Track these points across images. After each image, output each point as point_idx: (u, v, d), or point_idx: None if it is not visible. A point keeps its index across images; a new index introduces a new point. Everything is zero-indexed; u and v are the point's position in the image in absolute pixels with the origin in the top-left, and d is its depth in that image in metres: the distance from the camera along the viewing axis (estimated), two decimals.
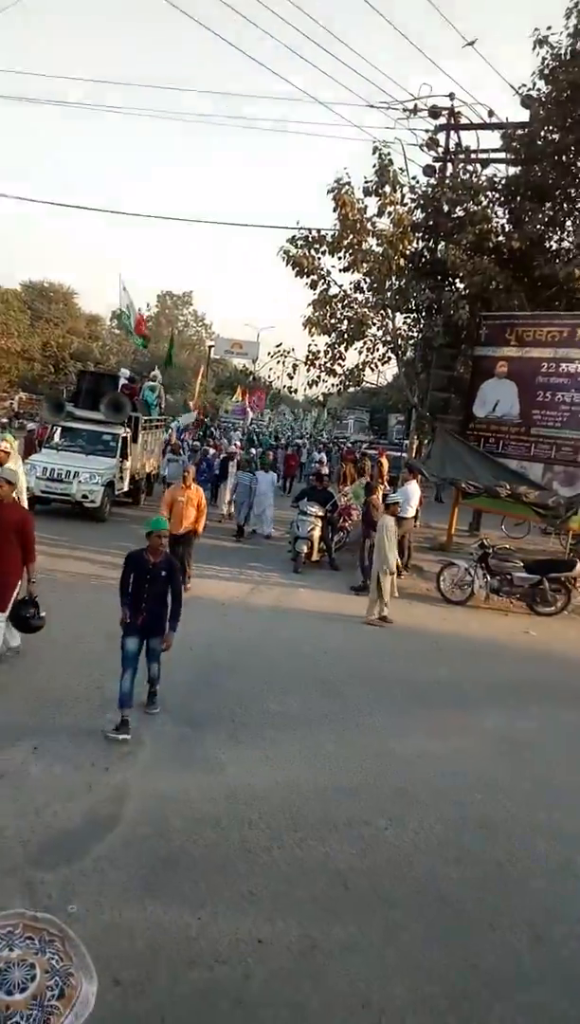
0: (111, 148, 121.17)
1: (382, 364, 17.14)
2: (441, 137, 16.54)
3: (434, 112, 16.47)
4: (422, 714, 6.93)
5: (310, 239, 15.16)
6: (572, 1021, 3.38)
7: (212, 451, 20.04)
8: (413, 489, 13.27)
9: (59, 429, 15.78)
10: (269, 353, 16.97)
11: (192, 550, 10.51)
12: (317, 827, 4.71)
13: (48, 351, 42.09)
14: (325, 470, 17.34)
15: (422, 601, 11.51)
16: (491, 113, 16.26)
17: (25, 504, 9.10)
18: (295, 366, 16.31)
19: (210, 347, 55.10)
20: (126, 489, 16.21)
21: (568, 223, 15.91)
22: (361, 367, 16.54)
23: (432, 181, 16.20)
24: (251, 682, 7.22)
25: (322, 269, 15.34)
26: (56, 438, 15.62)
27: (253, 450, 21.80)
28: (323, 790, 5.22)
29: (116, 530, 13.92)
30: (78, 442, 15.32)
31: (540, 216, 15.45)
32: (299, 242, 15.17)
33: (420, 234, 16.03)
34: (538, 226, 15.28)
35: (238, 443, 24.21)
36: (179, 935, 3.59)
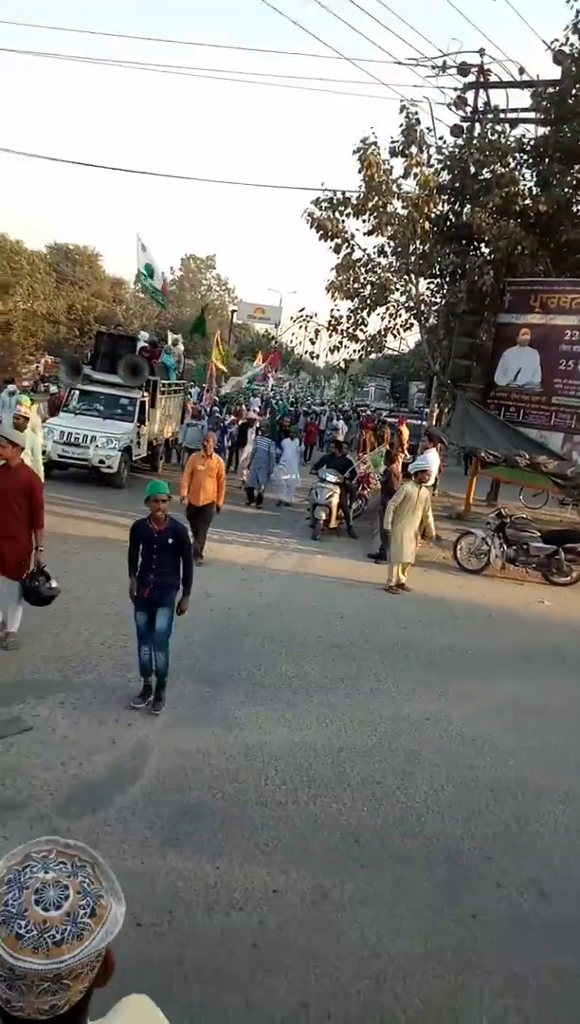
0: (131, 105, 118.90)
1: (404, 330, 17.02)
2: (470, 96, 16.11)
3: (463, 69, 16.00)
4: (436, 679, 7.06)
5: (335, 201, 14.94)
6: (573, 974, 3.51)
7: (230, 418, 19.84)
8: (433, 457, 13.24)
9: (76, 392, 15.49)
10: (291, 318, 16.74)
11: (208, 525, 10.11)
12: (331, 785, 4.87)
13: (73, 314, 41.99)
14: (340, 437, 17.28)
15: (439, 569, 11.59)
16: (522, 70, 15.78)
17: (41, 468, 9.12)
18: (317, 331, 16.20)
19: (233, 312, 54.71)
20: (144, 454, 15.96)
21: None
22: (383, 333, 16.42)
23: (459, 141, 15.83)
24: (269, 645, 7.37)
25: (346, 232, 15.15)
26: (73, 401, 15.34)
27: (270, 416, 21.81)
28: (337, 750, 5.38)
29: (135, 495, 13.94)
30: (95, 406, 15.02)
31: (568, 179, 15.07)
32: (323, 204, 14.96)
33: (446, 196, 15.72)
34: (566, 189, 14.92)
35: (257, 409, 24.12)
36: (197, 883, 3.77)
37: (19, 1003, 0.99)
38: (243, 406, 23.12)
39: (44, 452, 13.17)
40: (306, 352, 17.25)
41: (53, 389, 19.58)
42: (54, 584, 6.20)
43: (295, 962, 3.31)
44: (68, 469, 14.08)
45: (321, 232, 14.93)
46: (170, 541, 5.51)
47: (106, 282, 51.26)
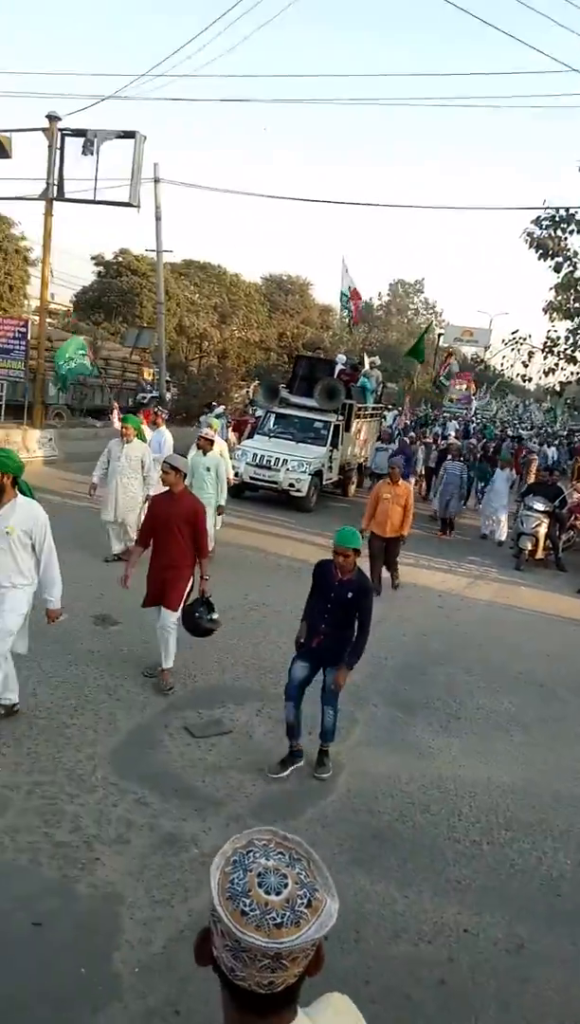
0: (340, 137, 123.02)
1: None
2: None
3: None
4: None
5: (557, 219, 14.35)
6: None
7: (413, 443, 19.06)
8: None
9: (272, 415, 15.55)
10: (503, 340, 16.27)
11: (396, 556, 9.61)
12: (530, 830, 4.58)
13: (283, 341, 44.13)
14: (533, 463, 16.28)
15: None
16: None
17: (224, 493, 9.28)
18: (531, 354, 15.60)
19: (439, 335, 54.27)
20: (335, 479, 15.78)
21: None
22: None
23: None
24: (464, 676, 7.13)
25: (568, 250, 14.48)
26: (269, 424, 15.39)
27: (471, 440, 20.96)
28: (538, 794, 5.05)
29: (324, 519, 13.59)
30: (290, 429, 14.94)
31: None
32: (545, 222, 14.44)
33: None
34: None
35: (454, 432, 23.28)
36: (385, 907, 3.70)
37: (242, 973, 1.06)
38: (439, 430, 22.69)
39: (236, 474, 13.34)
40: (518, 375, 16.63)
41: (258, 413, 20.30)
42: (216, 615, 5.82)
43: (486, 1007, 3.14)
44: (258, 491, 14.23)
45: (540, 251, 14.41)
46: (350, 596, 4.75)
47: (315, 309, 53.23)
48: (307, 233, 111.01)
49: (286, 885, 1.07)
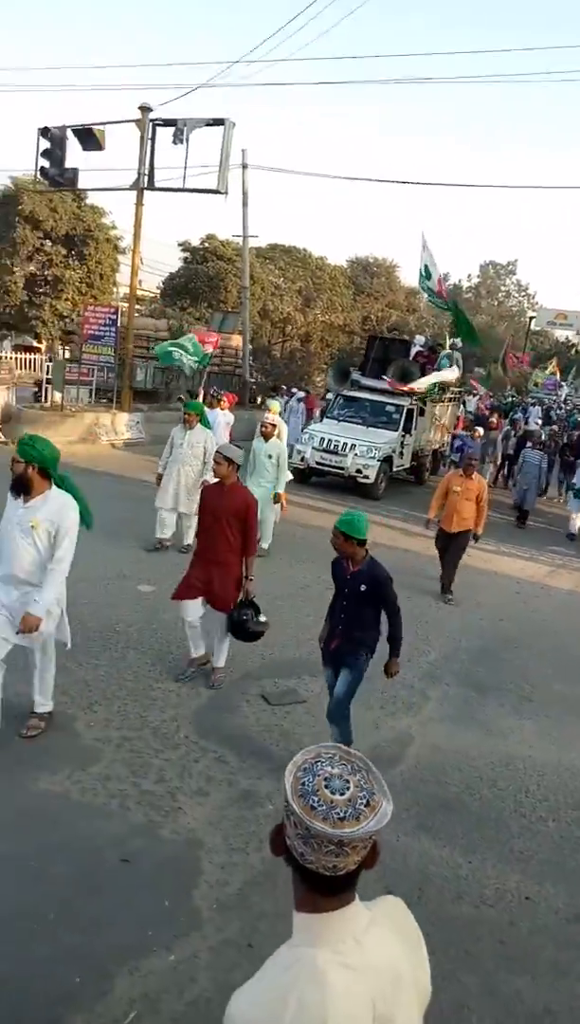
0: (439, 119, 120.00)
1: None
2: None
3: None
4: None
5: None
6: None
7: (479, 430, 17.57)
8: None
9: (341, 398, 15.10)
10: None
11: (460, 556, 8.71)
12: None
13: (367, 325, 43.88)
14: None
15: None
16: None
17: (284, 480, 9.01)
18: None
19: (531, 318, 52.62)
20: (407, 465, 15.22)
21: None
22: None
23: None
24: (540, 661, 7.13)
25: None
26: (337, 407, 14.96)
27: (553, 427, 19.72)
28: None
29: (395, 503, 13.50)
30: (360, 413, 14.46)
31: None
32: None
33: None
34: None
35: (539, 421, 22.15)
36: (449, 871, 3.87)
37: (311, 857, 1.29)
38: (520, 416, 21.83)
39: (302, 459, 13.47)
40: None
41: (329, 396, 19.86)
42: (263, 618, 5.40)
43: (543, 970, 3.27)
44: (326, 477, 13.92)
45: None
46: (362, 588, 4.37)
47: (401, 292, 52.54)
48: (394, 214, 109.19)
49: (349, 787, 1.30)
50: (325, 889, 1.32)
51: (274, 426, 8.96)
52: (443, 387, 16.28)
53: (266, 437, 8.89)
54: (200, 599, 5.42)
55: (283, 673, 5.97)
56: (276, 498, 8.99)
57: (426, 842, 4.07)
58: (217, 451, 5.58)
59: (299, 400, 18.31)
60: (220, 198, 16.67)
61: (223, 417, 10.94)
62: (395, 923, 1.46)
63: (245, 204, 22.05)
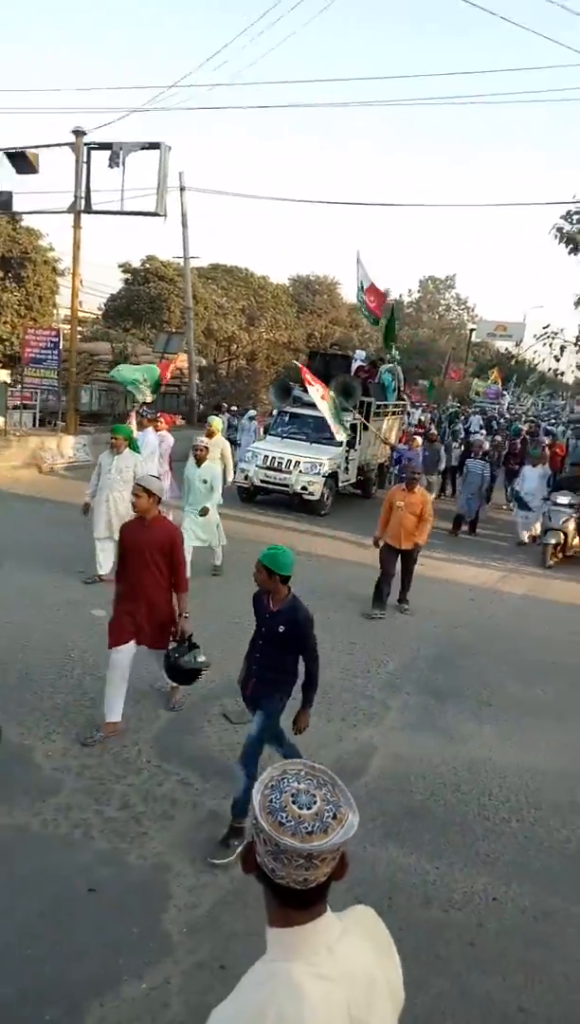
0: (364, 140, 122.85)
1: None
2: None
3: None
4: None
5: None
6: None
7: (417, 440, 16.78)
8: None
9: (285, 415, 14.85)
10: (535, 335, 16.21)
11: (411, 571, 8.75)
12: (558, 810, 4.73)
13: (312, 342, 44.35)
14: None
15: None
16: None
17: (216, 501, 8.59)
18: (563, 348, 15.57)
19: (471, 330, 53.97)
20: (353, 480, 15.17)
21: None
22: None
23: None
24: (497, 665, 7.26)
25: None
26: (281, 425, 14.72)
27: (496, 437, 19.37)
28: (568, 777, 5.18)
29: (341, 521, 13.26)
30: (303, 429, 14.26)
31: None
32: (575, 217, 14.43)
33: None
34: None
35: (482, 430, 21.98)
36: (416, 877, 3.90)
37: (281, 872, 1.32)
38: (461, 426, 21.81)
39: (246, 477, 13.29)
40: (549, 369, 16.60)
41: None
42: (201, 657, 5.03)
43: (514, 969, 3.31)
44: (271, 495, 13.78)
45: (571, 246, 14.40)
46: (281, 629, 4.00)
47: (344, 308, 53.34)
48: (334, 233, 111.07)
49: (315, 802, 1.33)
50: (297, 903, 1.34)
51: (206, 449, 8.60)
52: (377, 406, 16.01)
53: (199, 461, 8.49)
54: (132, 642, 5.00)
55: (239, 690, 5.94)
56: (203, 510, 8.52)
57: (393, 850, 4.10)
58: (136, 483, 5.18)
59: (251, 418, 18.30)
60: (159, 220, 16.74)
61: (160, 439, 10.39)
62: (367, 931, 1.49)
63: (185, 226, 22.13)
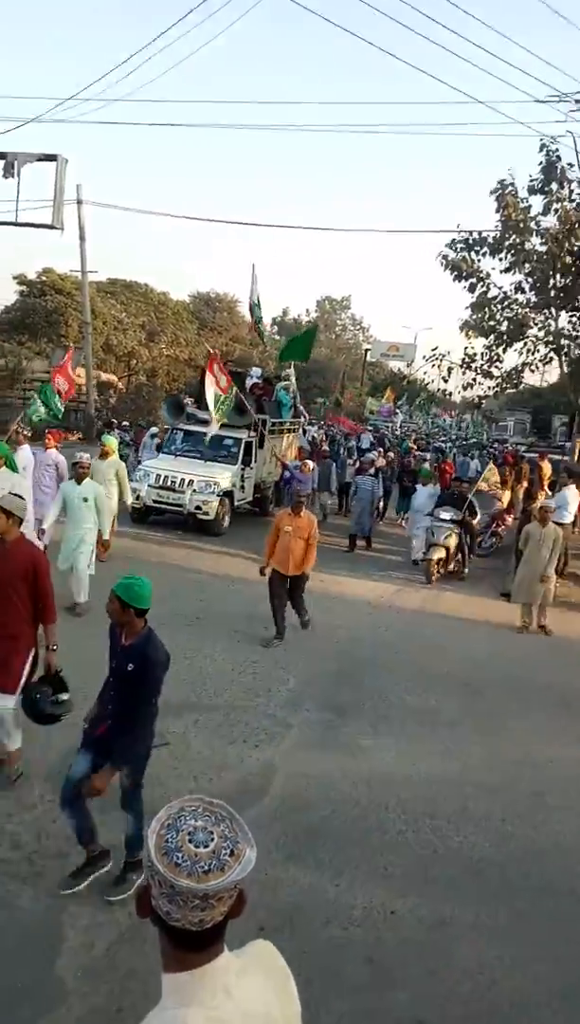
0: (268, 162, 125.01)
1: (544, 365, 16.67)
2: None
3: None
4: (568, 723, 6.83)
5: (470, 241, 15.07)
6: None
7: (308, 464, 16.21)
8: (572, 494, 12.83)
9: (179, 433, 14.48)
10: (424, 357, 16.85)
11: (301, 593, 8.48)
12: (453, 818, 4.88)
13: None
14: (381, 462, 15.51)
15: (578, 611, 11.15)
16: None
17: (107, 526, 8.34)
18: (450, 369, 16.25)
19: (366, 350, 55.56)
20: (250, 498, 14.96)
21: None
22: (520, 369, 16.20)
23: None
24: (394, 678, 7.44)
25: (481, 272, 15.19)
26: (176, 443, 14.34)
27: (389, 454, 19.42)
28: (461, 785, 5.37)
29: (238, 540, 12.89)
30: (197, 447, 13.94)
31: None
32: (459, 245, 15.13)
33: None
34: None
35: (374, 447, 22.03)
36: (318, 897, 3.93)
37: (177, 915, 1.29)
38: (354, 444, 21.76)
39: (137, 497, 12.52)
40: (439, 389, 17.29)
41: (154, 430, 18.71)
42: (64, 696, 4.53)
43: (412, 980, 3.39)
44: (165, 515, 13.36)
45: (455, 273, 15.07)
46: (130, 667, 3.66)
47: (244, 326, 53.65)
48: (234, 251, 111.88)
49: (213, 839, 1.32)
50: (192, 945, 1.32)
51: (89, 467, 8.35)
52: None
53: (79, 479, 8.19)
54: None
55: None
56: (104, 544, 8.40)
57: (295, 872, 4.11)
58: None
59: (153, 436, 17.93)
60: (56, 232, 16.39)
61: (50, 457, 9.86)
62: (264, 966, 1.49)
63: (82, 239, 21.78)
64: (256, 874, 3.80)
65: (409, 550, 13.84)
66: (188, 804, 1.39)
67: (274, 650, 7.80)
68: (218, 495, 13.07)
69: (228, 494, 13.49)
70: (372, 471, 14.42)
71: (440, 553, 11.84)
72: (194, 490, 12.94)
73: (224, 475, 13.42)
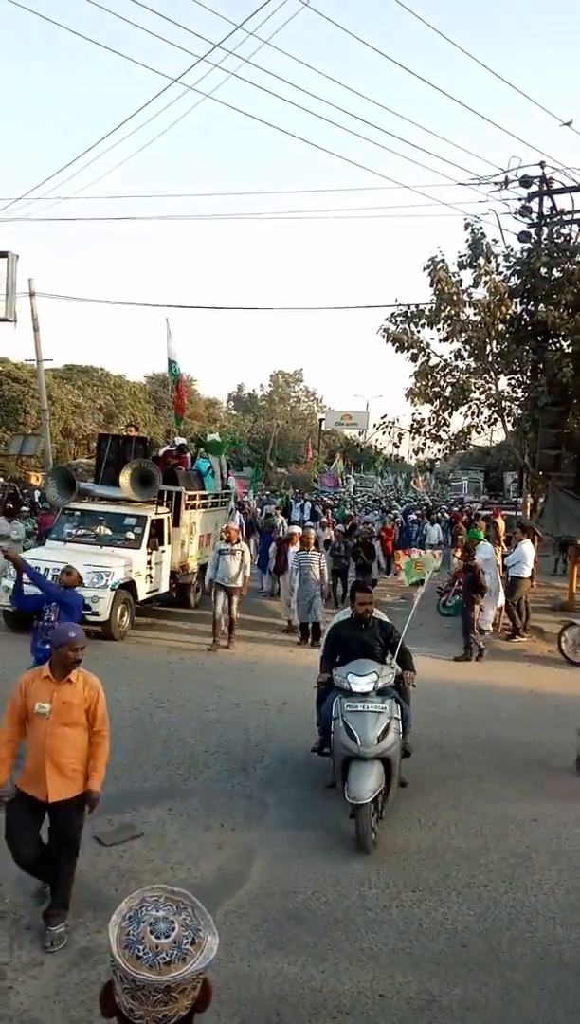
0: (214, 250, 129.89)
1: (488, 426, 17.28)
2: (535, 204, 16.94)
3: (525, 181, 16.87)
4: (543, 779, 6.84)
5: (408, 315, 15.77)
6: None
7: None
8: (527, 549, 13.14)
9: (69, 515, 11.98)
10: (374, 425, 17.35)
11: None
12: (435, 888, 4.82)
13: (170, 437, 44.79)
14: (313, 534, 12.55)
15: (544, 663, 11.27)
16: None
17: None
18: (400, 435, 16.73)
19: (321, 420, 56.79)
20: (162, 589, 12.31)
21: None
22: (467, 431, 16.76)
23: (528, 246, 16.53)
24: None
25: (421, 342, 15.86)
26: (65, 527, 11.82)
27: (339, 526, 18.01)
28: (441, 853, 5.31)
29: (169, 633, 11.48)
30: (96, 530, 11.57)
31: None
32: (398, 318, 15.81)
33: (518, 299, 16.28)
34: None
35: (329, 514, 21.23)
36: (303, 986, 3.81)
37: (139, 1011, 1.30)
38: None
39: (10, 598, 9.65)
40: (392, 455, 17.73)
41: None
42: None
43: None
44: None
45: (397, 345, 15.71)
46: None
47: (201, 403, 54.61)
48: (186, 330, 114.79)
49: (174, 929, 1.33)
50: None
51: None
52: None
53: None
54: None
55: (115, 808, 5.67)
56: None
57: (279, 960, 4.00)
58: None
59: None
60: (9, 325, 16.71)
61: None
62: None
63: (36, 330, 22.12)
64: (238, 965, 3.73)
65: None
66: (149, 894, 1.40)
67: (247, 731, 7.70)
68: (113, 588, 10.45)
69: (129, 586, 10.99)
70: (312, 544, 12.09)
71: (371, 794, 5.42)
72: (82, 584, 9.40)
73: (118, 563, 10.80)
